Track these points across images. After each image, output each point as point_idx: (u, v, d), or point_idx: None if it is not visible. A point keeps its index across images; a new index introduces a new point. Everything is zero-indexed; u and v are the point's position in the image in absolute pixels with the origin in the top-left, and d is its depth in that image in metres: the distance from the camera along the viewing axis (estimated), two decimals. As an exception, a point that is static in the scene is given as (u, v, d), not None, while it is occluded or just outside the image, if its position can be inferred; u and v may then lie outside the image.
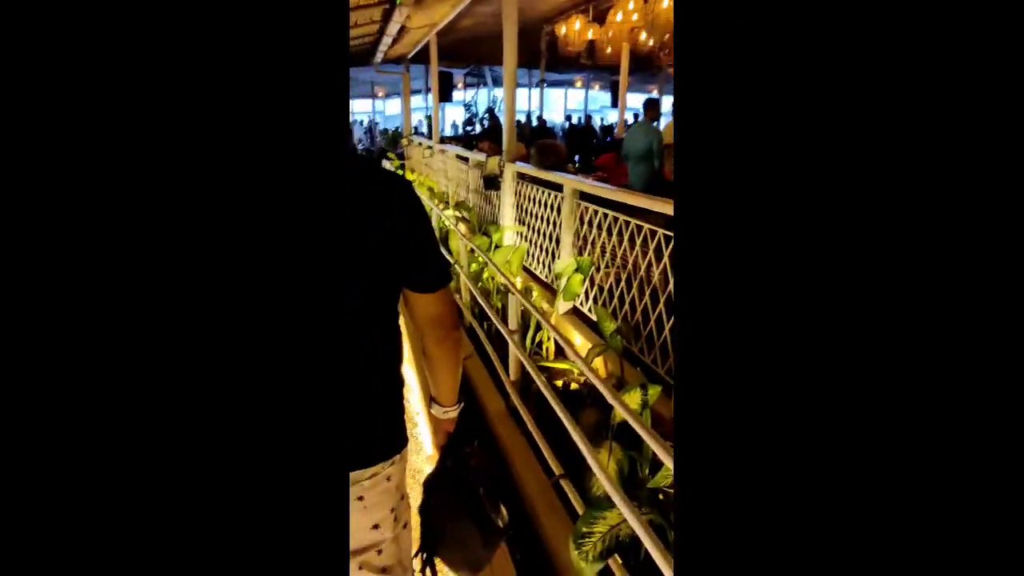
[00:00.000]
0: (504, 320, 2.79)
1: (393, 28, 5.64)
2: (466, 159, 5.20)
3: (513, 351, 2.21)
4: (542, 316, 2.04)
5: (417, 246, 0.80)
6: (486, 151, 5.96)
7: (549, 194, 3.21)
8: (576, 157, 6.42)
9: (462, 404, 0.97)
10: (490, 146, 6.39)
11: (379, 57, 8.08)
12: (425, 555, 0.94)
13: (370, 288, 0.77)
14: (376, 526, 0.85)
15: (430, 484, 0.96)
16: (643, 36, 6.12)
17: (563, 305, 2.85)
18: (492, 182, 3.89)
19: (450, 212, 5.07)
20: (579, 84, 14.33)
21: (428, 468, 1.27)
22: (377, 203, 0.76)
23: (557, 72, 11.87)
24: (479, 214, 4.70)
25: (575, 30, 6.37)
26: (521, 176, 3.71)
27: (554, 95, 14.65)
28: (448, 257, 3.74)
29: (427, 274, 0.82)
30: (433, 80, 6.64)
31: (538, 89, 10.51)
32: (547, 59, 8.60)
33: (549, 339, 2.74)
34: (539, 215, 3.38)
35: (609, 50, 6.82)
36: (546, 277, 3.33)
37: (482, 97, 14.16)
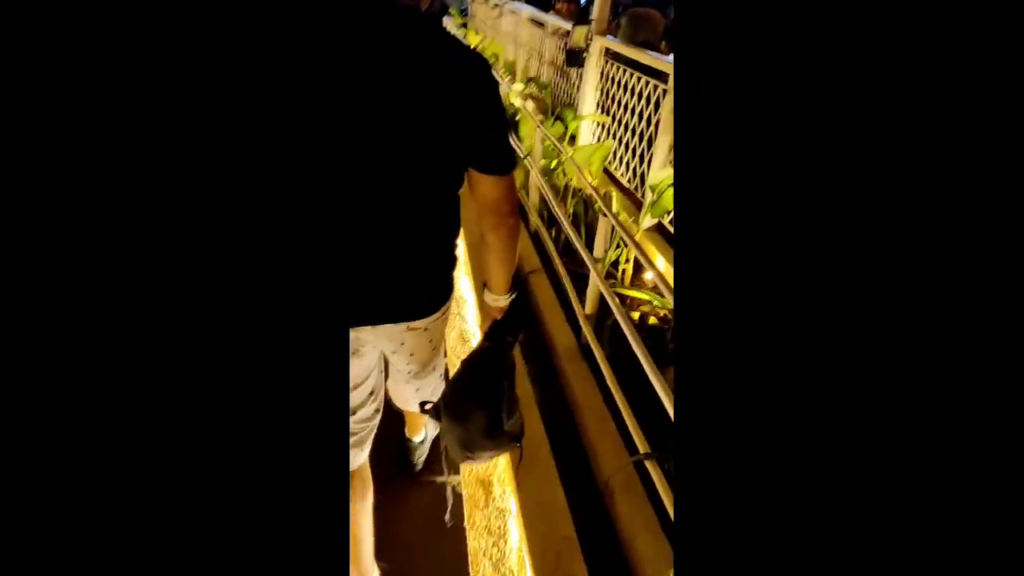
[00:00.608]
0: (578, 231, 2.42)
1: None
2: (542, 24, 4.47)
3: (594, 280, 1.87)
4: (632, 240, 1.68)
5: (488, 126, 0.80)
6: (564, 15, 5.16)
7: (647, 83, 2.65)
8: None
9: (514, 294, 0.99)
10: (568, 8, 5.54)
11: None
12: (435, 408, 1.00)
13: (437, 156, 0.79)
14: (435, 348, 1.06)
15: (466, 362, 0.99)
16: None
17: (647, 220, 2.45)
18: (575, 57, 3.29)
19: (519, 86, 4.48)
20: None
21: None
22: (451, 75, 0.75)
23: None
24: (553, 93, 4.10)
25: None
26: (612, 55, 3.10)
27: None
28: (516, 144, 3.29)
29: (493, 156, 0.83)
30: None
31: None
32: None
33: (627, 261, 2.38)
34: (630, 106, 2.84)
35: None
36: (628, 182, 2.88)
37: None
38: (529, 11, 5.00)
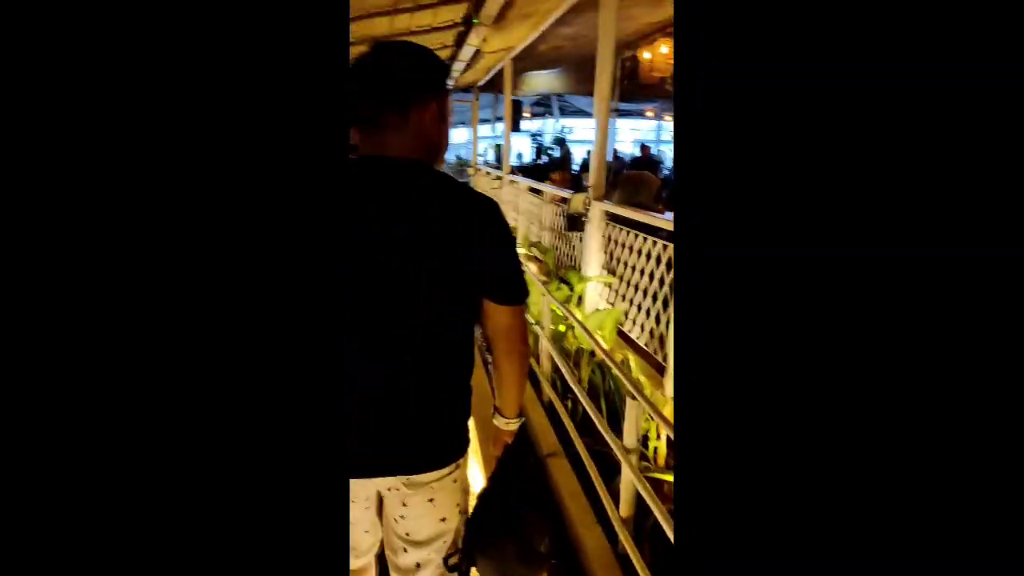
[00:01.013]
0: (597, 405, 2.17)
1: (467, 52, 5.27)
2: (539, 192, 4.69)
3: (627, 476, 1.58)
4: (663, 418, 1.43)
5: (498, 258, 0.83)
6: (559, 183, 5.46)
7: (653, 243, 2.60)
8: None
9: (523, 419, 0.99)
10: (562, 177, 5.88)
11: (449, 84, 7.81)
12: (463, 559, 0.94)
13: (448, 296, 0.81)
14: (444, 519, 0.94)
15: (483, 496, 0.96)
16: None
17: (671, 385, 2.22)
18: (575, 222, 3.33)
19: (522, 251, 4.55)
20: (650, 114, 13.70)
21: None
22: (460, 214, 0.80)
23: (629, 102, 11.30)
24: (556, 256, 4.13)
25: (661, 54, 5.81)
26: (612, 218, 3.13)
27: (620, 126, 14.06)
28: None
29: (508, 285, 0.85)
30: (507, 107, 6.22)
31: (625, 120, 10.01)
32: (622, 88, 8.09)
33: (659, 437, 2.09)
34: (638, 267, 2.77)
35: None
36: (646, 344, 2.70)
37: (548, 127, 13.82)
38: (527, 181, 5.30)
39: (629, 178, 3.79)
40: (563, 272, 3.78)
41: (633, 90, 8.15)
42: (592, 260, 3.26)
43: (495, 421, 0.99)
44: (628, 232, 2.88)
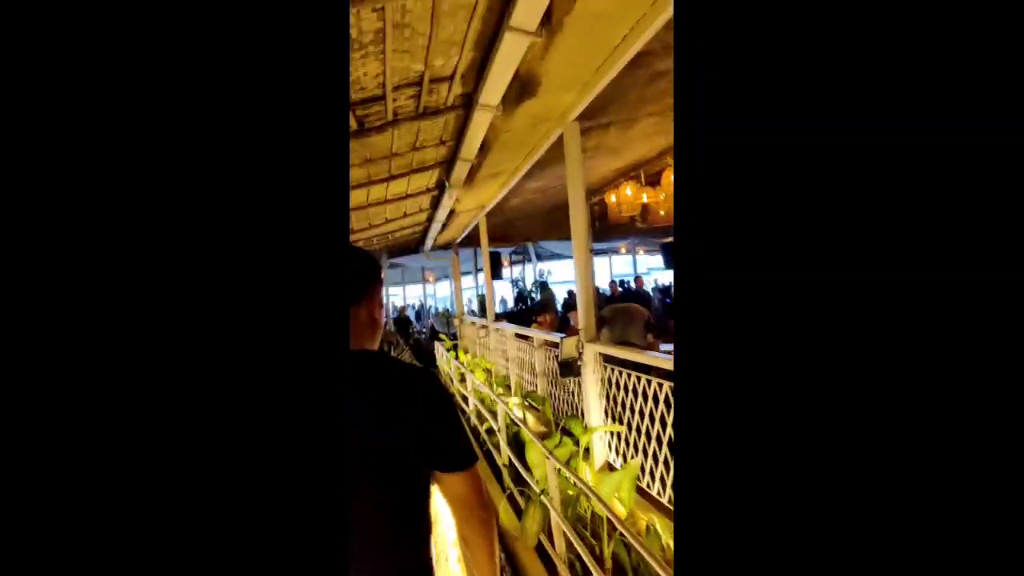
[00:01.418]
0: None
1: (442, 214, 5.48)
2: (528, 338, 4.55)
3: None
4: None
5: (438, 425, 0.85)
6: (545, 325, 5.36)
7: (659, 385, 2.39)
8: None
9: None
10: (548, 320, 5.82)
11: (428, 244, 8.08)
12: None
13: (395, 475, 0.83)
14: None
15: None
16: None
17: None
18: (570, 368, 3.14)
19: (515, 400, 4.28)
20: (623, 250, 14.32)
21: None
22: (396, 394, 0.84)
23: (601, 241, 11.85)
24: (553, 404, 3.87)
25: (627, 196, 6.12)
26: (608, 359, 2.95)
27: (598, 263, 14.66)
28: (527, 476, 2.84)
29: (450, 454, 0.87)
30: (484, 260, 6.35)
31: (602, 258, 10.35)
32: (594, 229, 8.47)
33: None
34: (646, 411, 2.53)
35: (663, 212, 6.52)
36: (669, 501, 2.36)
37: (528, 273, 14.26)
38: (512, 327, 5.20)
39: (616, 312, 3.70)
40: (564, 422, 3.50)
41: (604, 230, 8.53)
42: (593, 407, 3.02)
43: None
44: (629, 374, 2.69)
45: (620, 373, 2.79)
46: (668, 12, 1.87)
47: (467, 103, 2.81)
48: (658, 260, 14.16)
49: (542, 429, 2.98)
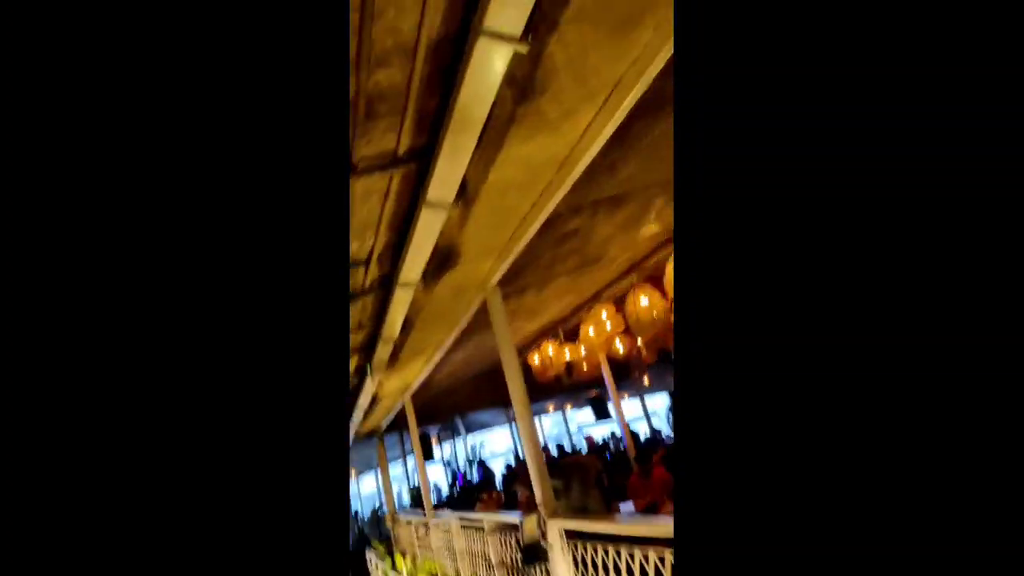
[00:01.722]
0: None
1: (364, 400, 5.13)
2: (478, 526, 4.05)
3: None
4: None
5: None
6: (491, 504, 4.87)
7: (644, 557, 2.10)
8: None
9: None
10: (493, 497, 5.32)
11: (351, 438, 7.47)
12: None
13: None
14: None
15: None
16: (616, 344, 5.97)
17: None
18: (534, 552, 2.74)
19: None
20: (551, 409, 14.13)
21: None
22: None
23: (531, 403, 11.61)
24: (519, 603, 3.31)
25: (549, 354, 6.16)
26: (576, 535, 2.62)
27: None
28: None
29: None
30: (414, 443, 5.88)
31: (509, 427, 10.01)
32: (532, 386, 8.32)
33: None
34: (633, 591, 2.18)
35: (586, 367, 6.60)
36: None
37: (459, 450, 13.47)
38: (455, 516, 4.64)
39: (561, 467, 3.42)
40: (537, 624, 2.96)
41: (531, 391, 8.42)
42: (570, 597, 2.59)
43: None
44: (603, 548, 2.37)
45: (592, 548, 2.46)
46: (574, 175, 2.01)
47: (386, 283, 2.77)
48: (587, 415, 14.08)
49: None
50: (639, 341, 5.99)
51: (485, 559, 3.94)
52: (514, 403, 3.00)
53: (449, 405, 8.83)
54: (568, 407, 13.84)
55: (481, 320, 3.20)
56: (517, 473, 6.09)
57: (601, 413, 10.55)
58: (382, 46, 1.26)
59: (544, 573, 2.95)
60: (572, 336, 6.26)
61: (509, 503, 5.14)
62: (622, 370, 8.11)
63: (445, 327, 3.83)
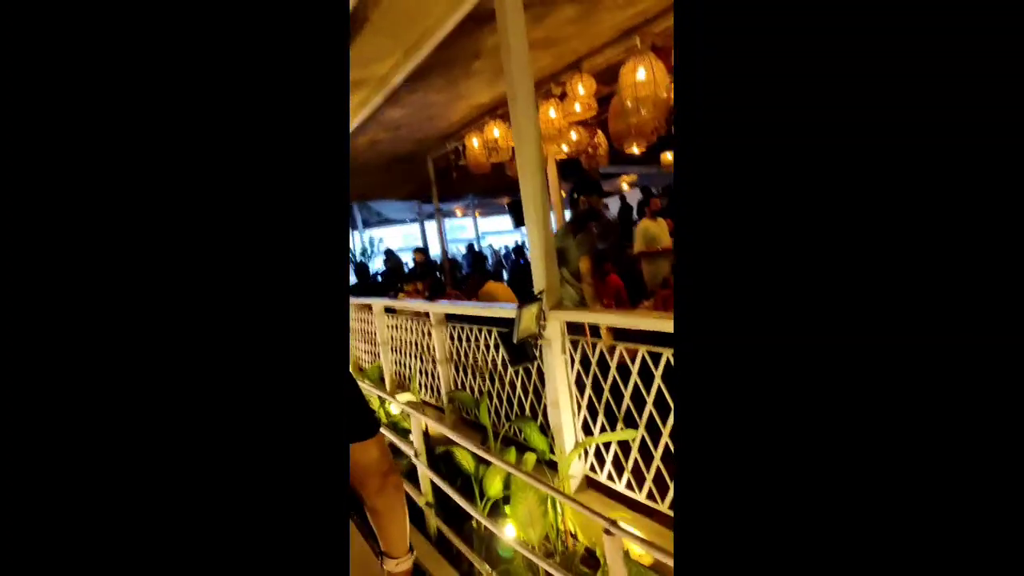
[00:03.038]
0: None
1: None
2: (421, 315, 3.37)
3: None
4: None
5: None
6: (421, 294, 4.25)
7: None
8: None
9: (414, 552, 0.91)
10: (421, 286, 4.71)
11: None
12: None
13: None
14: None
15: None
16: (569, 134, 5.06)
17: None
18: (523, 351, 2.11)
19: (406, 397, 3.12)
20: (460, 213, 13.30)
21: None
22: None
23: (446, 201, 10.58)
24: (491, 407, 2.77)
25: (494, 136, 5.06)
26: (574, 329, 2.00)
27: (429, 228, 13.31)
28: (485, 519, 1.77)
29: (355, 421, 0.79)
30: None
31: (431, 222, 9.23)
32: (439, 186, 7.36)
33: None
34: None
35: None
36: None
37: (355, 241, 12.51)
38: (380, 300, 3.95)
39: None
40: (506, 428, 2.48)
41: (460, 184, 7.49)
42: (564, 407, 2.05)
43: (385, 567, 0.89)
44: (627, 345, 1.76)
45: (614, 347, 1.86)
46: None
47: None
48: (497, 223, 13.55)
49: (480, 450, 1.92)
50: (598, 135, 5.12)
51: (418, 350, 3.36)
52: (526, 164, 2.10)
53: (357, 187, 7.63)
54: (477, 213, 13.07)
55: (444, 56, 2.10)
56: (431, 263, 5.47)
57: (519, 221, 10.03)
58: None
59: (524, 373, 2.39)
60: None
61: (433, 293, 4.56)
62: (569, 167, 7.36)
63: (402, 44, 2.64)
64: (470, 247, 10.15)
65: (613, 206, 8.35)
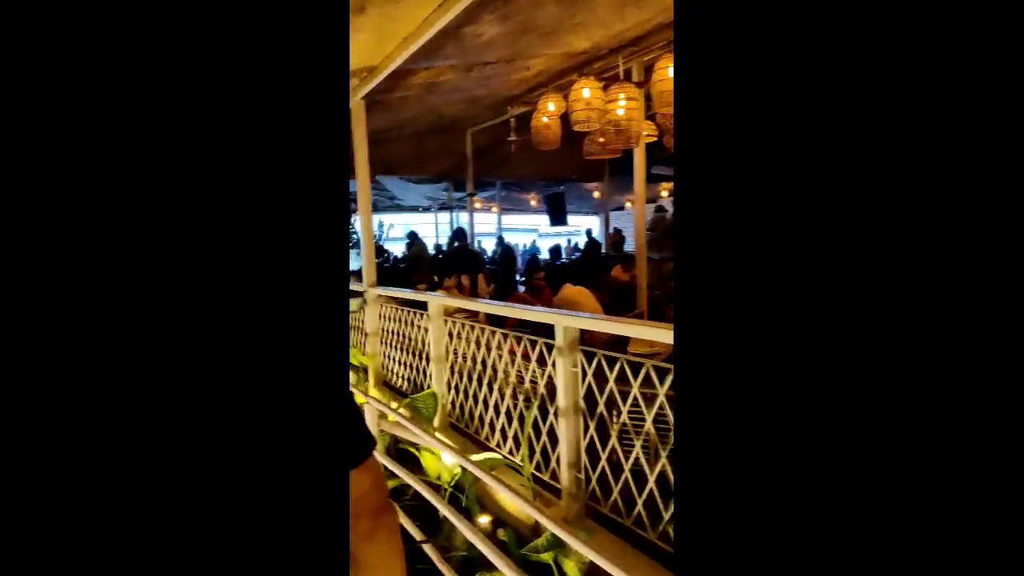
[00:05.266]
0: None
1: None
2: (499, 320, 2.26)
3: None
4: None
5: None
6: (464, 292, 3.23)
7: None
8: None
9: None
10: (467, 282, 3.65)
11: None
12: None
13: None
14: None
15: None
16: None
17: None
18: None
19: (488, 457, 2.02)
20: (478, 205, 11.93)
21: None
22: None
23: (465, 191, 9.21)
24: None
25: (584, 98, 3.96)
26: None
27: (442, 220, 11.94)
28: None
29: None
30: (361, 184, 3.71)
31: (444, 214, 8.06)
32: (487, 163, 6.29)
33: None
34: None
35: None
36: None
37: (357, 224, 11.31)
38: (438, 298, 2.84)
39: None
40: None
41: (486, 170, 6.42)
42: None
43: None
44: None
45: None
46: None
47: None
48: (516, 220, 12.39)
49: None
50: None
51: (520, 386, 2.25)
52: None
53: (384, 157, 6.48)
54: (494, 208, 11.83)
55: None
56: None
57: (558, 217, 8.92)
58: None
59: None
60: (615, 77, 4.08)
61: (501, 293, 3.50)
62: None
63: None
64: (500, 240, 9.06)
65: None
